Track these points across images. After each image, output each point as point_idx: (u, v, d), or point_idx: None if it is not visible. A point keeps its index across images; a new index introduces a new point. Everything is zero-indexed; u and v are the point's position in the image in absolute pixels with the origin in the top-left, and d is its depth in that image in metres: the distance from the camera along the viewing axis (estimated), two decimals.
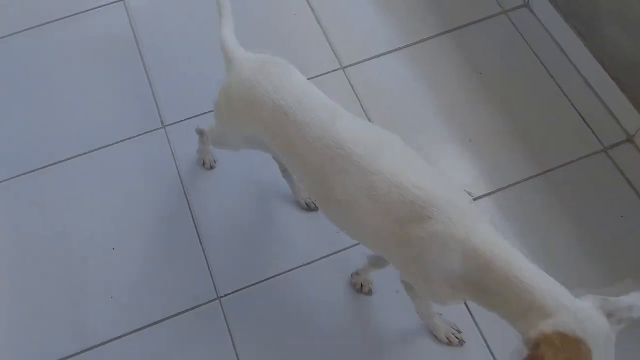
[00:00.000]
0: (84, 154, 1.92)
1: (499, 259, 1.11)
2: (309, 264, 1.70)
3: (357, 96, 1.99)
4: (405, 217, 1.18)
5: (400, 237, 1.19)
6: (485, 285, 1.12)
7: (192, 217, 1.79)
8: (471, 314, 1.60)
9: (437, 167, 1.82)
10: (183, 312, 1.65)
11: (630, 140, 1.84)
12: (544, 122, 1.91)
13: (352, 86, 2.01)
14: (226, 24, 1.55)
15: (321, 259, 1.70)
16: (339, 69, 2.06)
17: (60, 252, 1.76)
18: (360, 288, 1.64)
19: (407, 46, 2.09)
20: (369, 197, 1.21)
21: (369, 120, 1.91)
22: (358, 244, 1.70)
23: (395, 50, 2.09)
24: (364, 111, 1.95)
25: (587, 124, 1.89)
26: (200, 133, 1.77)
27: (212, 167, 1.85)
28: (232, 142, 1.60)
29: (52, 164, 1.90)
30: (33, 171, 1.89)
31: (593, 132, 1.87)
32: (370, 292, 1.64)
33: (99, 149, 1.92)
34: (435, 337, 1.56)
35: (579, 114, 1.91)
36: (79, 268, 1.73)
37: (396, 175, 1.20)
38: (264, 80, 1.34)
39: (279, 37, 2.14)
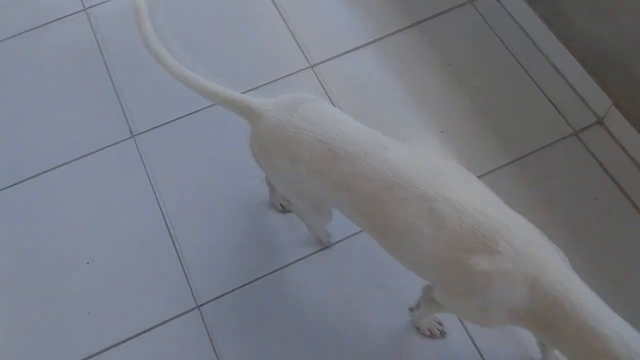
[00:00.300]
0: (53, 168, 1.88)
1: (571, 303, 1.07)
2: (287, 265, 1.68)
3: (327, 94, 1.98)
4: (470, 247, 1.12)
5: (463, 268, 1.13)
6: (551, 322, 1.10)
7: (167, 225, 1.76)
8: None
9: None
10: (162, 324, 1.62)
11: (600, 122, 1.85)
12: (514, 109, 1.91)
13: (322, 84, 2.00)
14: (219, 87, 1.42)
15: (299, 260, 1.69)
16: (307, 67, 2.05)
17: (33, 269, 1.73)
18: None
19: (375, 40, 2.08)
20: (431, 225, 1.15)
21: None
22: (333, 245, 1.69)
23: (364, 45, 2.08)
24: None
25: (556, 108, 1.89)
26: (269, 186, 1.65)
27: (329, 243, 1.68)
28: (305, 206, 1.47)
29: (20, 181, 1.86)
30: (1, 189, 1.86)
31: (563, 116, 1.87)
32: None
33: (68, 162, 1.89)
34: (418, 330, 1.56)
35: (549, 99, 1.91)
36: (54, 284, 1.70)
37: (457, 201, 1.15)
38: (299, 117, 1.28)
39: (245, 38, 2.13)
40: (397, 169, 1.20)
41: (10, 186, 1.86)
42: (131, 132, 1.94)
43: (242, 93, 1.41)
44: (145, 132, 1.93)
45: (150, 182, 1.84)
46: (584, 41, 1.83)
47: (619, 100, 1.77)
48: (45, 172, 1.88)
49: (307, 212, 1.52)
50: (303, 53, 2.08)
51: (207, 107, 1.95)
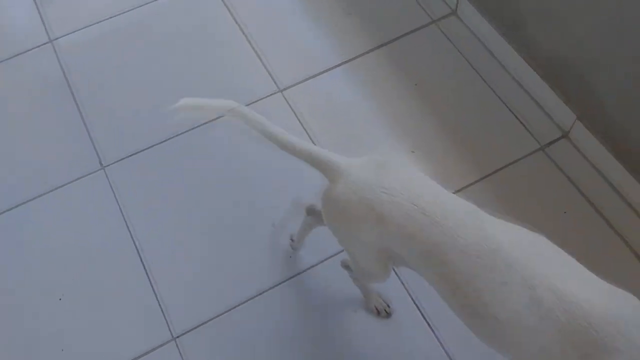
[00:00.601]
0: (21, 203, 1.85)
1: None
2: (265, 291, 1.67)
3: (298, 118, 1.98)
4: (581, 342, 1.01)
5: None
6: None
7: (140, 256, 1.74)
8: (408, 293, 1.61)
9: None
10: (139, 357, 1.60)
11: (565, 136, 1.88)
12: (481, 126, 1.94)
13: (292, 108, 2.01)
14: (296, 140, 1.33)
15: (275, 286, 1.68)
16: (277, 91, 2.05)
17: (3, 306, 1.69)
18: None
19: (343, 63, 2.10)
20: (534, 315, 1.05)
21: (313, 143, 1.91)
22: (309, 268, 1.69)
23: (332, 68, 2.10)
24: (307, 133, 1.95)
25: (522, 124, 1.93)
26: (346, 267, 1.54)
27: (388, 313, 1.62)
28: (371, 266, 1.38)
29: None
30: None
31: (529, 131, 1.91)
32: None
33: (36, 197, 1.86)
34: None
35: (514, 114, 1.95)
36: (25, 321, 1.67)
37: (560, 289, 1.04)
38: (389, 177, 1.20)
39: (212, 64, 2.13)
40: (496, 247, 1.10)
41: None
42: (101, 163, 1.92)
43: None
44: (115, 162, 1.92)
45: (122, 213, 1.82)
46: (544, 55, 1.88)
47: (582, 114, 1.81)
48: (13, 207, 1.85)
49: (369, 272, 1.42)
50: (272, 77, 2.09)
51: (175, 136, 1.95)
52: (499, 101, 1.98)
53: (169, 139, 1.95)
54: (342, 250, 1.71)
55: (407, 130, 1.94)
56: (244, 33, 2.19)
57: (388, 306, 1.61)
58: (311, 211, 1.58)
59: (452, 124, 1.95)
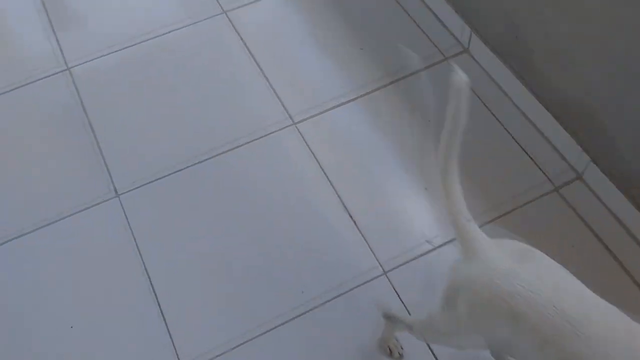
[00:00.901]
0: (32, 230, 1.85)
1: None
2: (275, 328, 1.66)
3: (312, 152, 1.99)
4: None
5: None
6: None
7: (152, 288, 1.74)
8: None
9: (398, 217, 1.85)
10: None
11: (579, 177, 1.90)
12: (495, 165, 1.95)
13: (305, 142, 2.02)
14: (456, 190, 1.26)
15: (285, 323, 1.67)
16: (290, 124, 2.07)
17: (16, 334, 1.68)
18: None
19: (357, 97, 2.12)
20: None
21: (326, 175, 1.92)
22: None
23: (347, 102, 2.11)
24: (321, 168, 1.95)
25: (537, 165, 1.94)
26: (392, 320, 1.48)
27: (401, 355, 1.59)
28: (460, 342, 1.30)
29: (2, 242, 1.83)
30: None
31: (544, 172, 1.92)
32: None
33: (51, 223, 1.86)
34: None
35: (529, 155, 1.96)
36: (34, 346, 1.65)
37: None
38: (529, 271, 1.09)
39: (225, 95, 2.14)
40: None
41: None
42: (115, 191, 1.92)
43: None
44: (129, 190, 1.92)
45: (135, 242, 1.81)
46: (558, 97, 1.90)
47: (596, 156, 1.83)
48: (26, 233, 1.84)
49: (458, 346, 1.36)
50: (285, 109, 2.10)
51: (192, 165, 1.96)
52: (513, 141, 1.99)
53: (184, 168, 1.96)
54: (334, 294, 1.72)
55: (420, 167, 1.95)
56: (257, 63, 2.21)
57: (401, 348, 1.59)
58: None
59: (466, 163, 1.94)
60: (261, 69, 2.20)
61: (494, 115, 2.05)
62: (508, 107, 2.07)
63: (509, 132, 2.01)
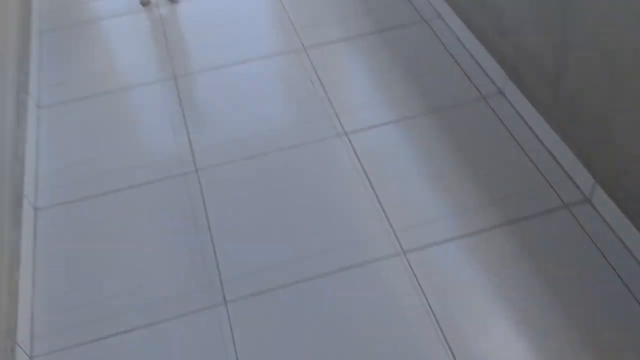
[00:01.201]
0: (127, 331, 1.89)
1: None
2: None
3: (420, 286, 1.96)
4: None
5: None
6: None
7: None
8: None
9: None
10: None
11: (588, 200, 2.00)
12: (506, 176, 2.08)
13: (414, 274, 1.99)
14: None
15: None
16: (399, 253, 2.06)
17: None
18: None
19: (465, 235, 2.08)
20: None
21: (431, 310, 1.88)
22: None
23: (455, 238, 2.08)
24: (426, 298, 1.92)
25: (551, 186, 1.94)
26: None
27: None
28: None
29: (93, 340, 1.88)
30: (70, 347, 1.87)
31: (554, 190, 2.06)
32: None
33: (146, 325, 1.90)
34: None
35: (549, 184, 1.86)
36: None
37: None
38: None
39: (338, 219, 2.16)
40: None
41: (80, 344, 1.87)
42: (224, 298, 1.96)
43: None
44: (238, 299, 1.95)
45: (236, 354, 1.82)
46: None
47: (603, 180, 1.97)
48: (117, 334, 1.88)
49: None
50: (396, 236, 2.09)
51: (307, 280, 1.96)
52: (529, 161, 1.90)
53: (298, 281, 1.97)
54: None
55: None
56: (372, 187, 2.25)
57: None
58: None
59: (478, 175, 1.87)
60: (375, 191, 2.23)
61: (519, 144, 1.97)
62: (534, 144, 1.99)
63: (542, 176, 1.91)
